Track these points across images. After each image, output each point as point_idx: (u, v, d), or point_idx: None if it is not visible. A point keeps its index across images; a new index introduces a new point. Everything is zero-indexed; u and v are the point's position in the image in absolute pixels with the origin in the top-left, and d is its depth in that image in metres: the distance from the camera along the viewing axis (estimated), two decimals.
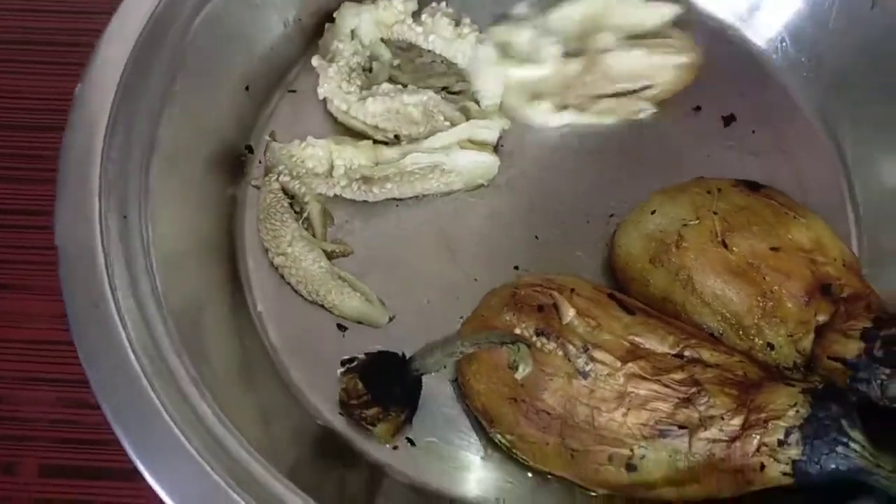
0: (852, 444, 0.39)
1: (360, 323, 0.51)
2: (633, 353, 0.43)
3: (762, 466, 0.40)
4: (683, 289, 0.47)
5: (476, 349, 0.44)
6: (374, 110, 0.55)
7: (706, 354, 0.43)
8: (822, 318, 0.45)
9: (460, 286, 0.52)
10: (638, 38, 0.57)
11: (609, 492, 0.45)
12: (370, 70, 0.57)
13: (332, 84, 0.55)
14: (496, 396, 0.45)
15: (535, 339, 0.44)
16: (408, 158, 0.54)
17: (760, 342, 0.46)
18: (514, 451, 0.46)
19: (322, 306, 0.52)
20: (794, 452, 0.40)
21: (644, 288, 0.49)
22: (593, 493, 0.45)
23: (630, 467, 0.43)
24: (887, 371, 0.42)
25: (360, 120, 0.55)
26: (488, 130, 0.55)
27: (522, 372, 0.42)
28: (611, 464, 0.43)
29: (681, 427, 0.42)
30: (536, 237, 0.54)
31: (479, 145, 0.55)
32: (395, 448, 0.48)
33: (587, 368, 0.43)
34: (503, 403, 0.45)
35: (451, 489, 0.48)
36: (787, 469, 0.40)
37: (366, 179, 0.54)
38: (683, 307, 0.47)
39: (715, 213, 0.48)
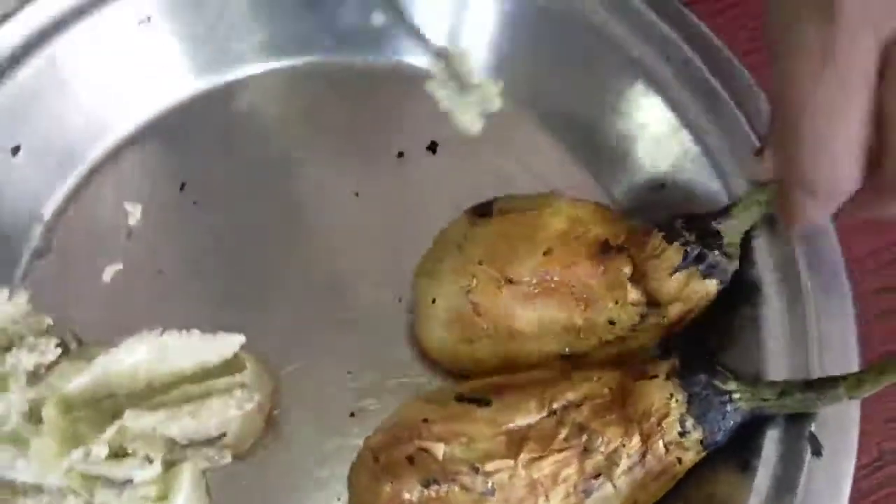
0: (734, 396, 0.41)
1: None
2: (516, 441, 0.42)
3: (679, 460, 0.41)
4: (513, 340, 0.46)
5: None
6: None
7: (569, 394, 0.43)
8: (626, 270, 0.46)
9: None
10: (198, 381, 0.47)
11: None
12: None
13: None
14: None
15: (426, 491, 0.41)
16: None
17: (602, 327, 0.46)
18: None
19: None
20: (695, 436, 0.41)
21: (478, 365, 0.47)
22: None
23: None
24: (714, 241, 0.44)
25: None
26: None
27: None
28: None
29: (596, 477, 0.41)
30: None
31: None
32: None
33: (489, 485, 0.41)
34: None
35: None
36: (699, 449, 0.41)
37: None
38: (527, 355, 0.46)
39: (480, 263, 0.46)
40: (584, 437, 0.41)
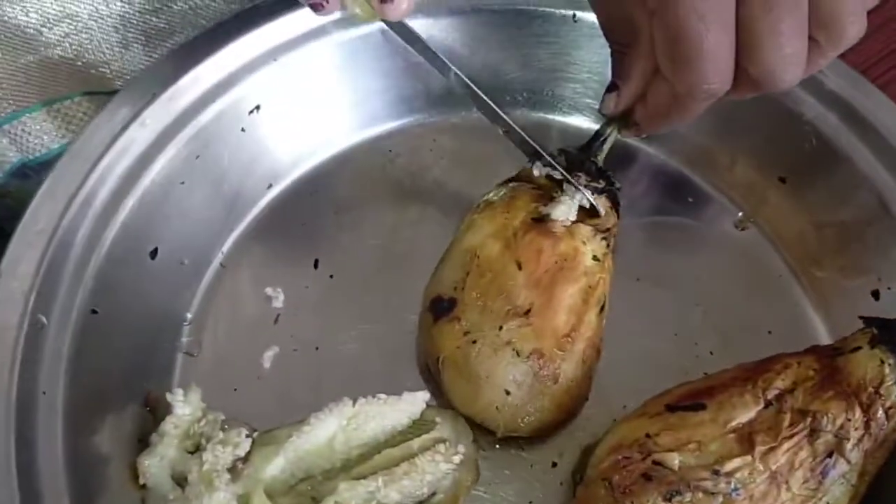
0: None
1: None
2: (745, 437, 0.42)
3: None
4: None
5: None
6: None
7: (777, 382, 0.44)
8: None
9: None
10: (394, 444, 0.47)
11: None
12: None
13: None
14: None
15: None
16: None
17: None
18: None
19: None
20: None
21: None
22: None
23: None
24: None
25: None
26: None
27: None
28: None
29: (830, 455, 0.42)
30: None
31: None
32: None
33: (732, 486, 0.41)
34: None
35: None
36: None
37: None
38: None
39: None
40: (809, 420, 0.42)
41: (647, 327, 0.53)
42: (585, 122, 0.61)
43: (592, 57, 0.59)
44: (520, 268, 0.48)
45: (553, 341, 0.47)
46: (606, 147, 0.52)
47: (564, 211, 0.49)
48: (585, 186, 0.50)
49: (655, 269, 0.55)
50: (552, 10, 0.58)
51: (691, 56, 0.40)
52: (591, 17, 0.56)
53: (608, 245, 0.50)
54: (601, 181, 0.51)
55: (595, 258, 0.49)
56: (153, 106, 0.50)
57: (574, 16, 0.58)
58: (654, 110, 0.48)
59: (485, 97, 0.50)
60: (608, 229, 0.50)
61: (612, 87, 0.49)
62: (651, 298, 0.54)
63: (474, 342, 0.47)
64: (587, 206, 0.50)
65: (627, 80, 0.48)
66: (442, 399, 0.49)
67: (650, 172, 0.60)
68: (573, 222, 0.50)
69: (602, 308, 0.49)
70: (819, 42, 0.41)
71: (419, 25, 0.54)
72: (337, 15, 0.53)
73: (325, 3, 0.43)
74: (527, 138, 0.51)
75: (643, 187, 0.58)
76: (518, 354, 0.46)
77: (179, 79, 0.51)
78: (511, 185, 0.53)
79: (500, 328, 0.47)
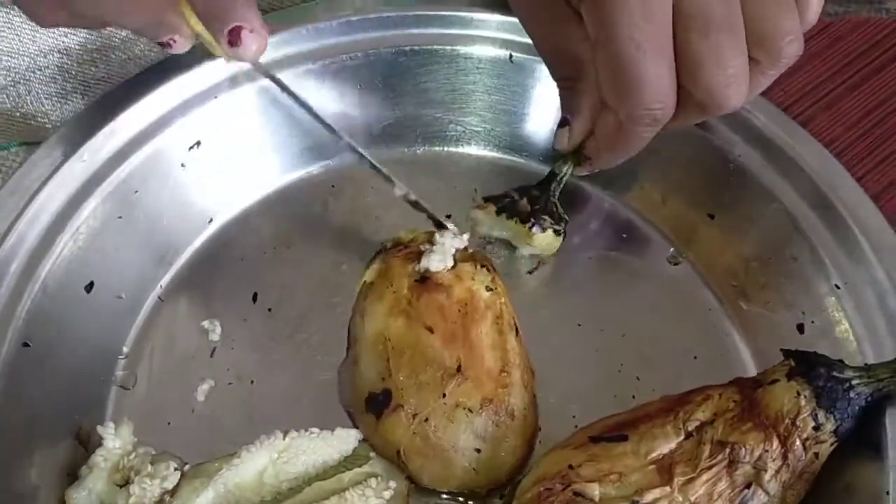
0: (854, 382, 0.44)
1: None
2: (665, 469, 0.43)
3: (816, 455, 0.43)
4: None
5: None
6: None
7: (698, 414, 0.45)
8: None
9: None
10: (326, 477, 0.46)
11: None
12: None
13: None
14: None
15: None
16: None
17: None
18: None
19: None
20: (829, 426, 0.43)
21: None
22: None
23: None
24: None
25: None
26: None
27: None
28: None
29: (748, 486, 0.43)
30: None
31: None
32: None
33: None
34: None
35: None
36: (833, 440, 0.43)
37: None
38: None
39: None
40: (728, 450, 0.43)
41: (580, 359, 0.54)
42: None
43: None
44: (431, 331, 0.48)
45: (493, 383, 0.47)
46: (562, 184, 0.55)
47: (440, 260, 0.50)
48: (543, 226, 0.53)
49: (589, 303, 0.56)
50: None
51: (632, 84, 0.42)
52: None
53: (489, 270, 0.52)
54: (560, 222, 0.54)
55: (488, 288, 0.50)
56: (91, 142, 0.51)
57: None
58: (603, 142, 0.49)
59: (375, 162, 0.54)
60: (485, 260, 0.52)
61: (563, 123, 0.51)
62: (584, 331, 0.55)
63: (426, 420, 0.46)
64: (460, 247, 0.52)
65: (577, 113, 0.49)
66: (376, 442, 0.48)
67: (589, 210, 0.61)
68: (451, 267, 0.51)
69: (516, 330, 0.50)
70: (759, 61, 0.42)
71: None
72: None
73: (172, 43, 0.45)
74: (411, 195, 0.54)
75: (580, 223, 0.59)
76: (471, 411, 0.46)
77: (119, 115, 0.52)
78: (377, 259, 0.53)
79: (444, 395, 0.47)
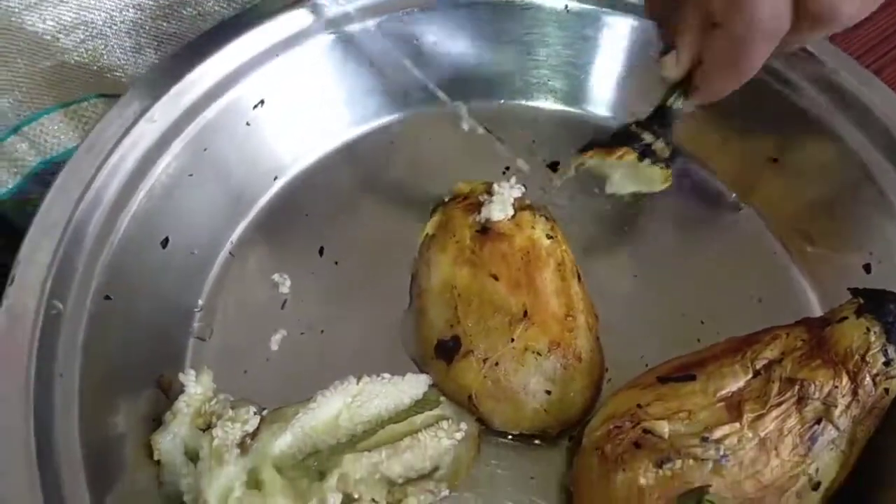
0: None
1: None
2: (734, 406, 0.43)
3: (887, 391, 0.43)
4: None
5: None
6: None
7: (766, 353, 0.45)
8: None
9: None
10: (398, 421, 0.48)
11: None
12: None
13: None
14: None
15: (661, 471, 0.42)
16: None
17: None
18: None
19: None
20: None
21: None
22: None
23: (816, 486, 0.43)
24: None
25: None
26: None
27: None
28: (801, 499, 0.43)
29: (818, 422, 0.43)
30: None
31: None
32: None
33: (721, 453, 0.42)
34: None
35: None
36: None
37: None
38: None
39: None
40: (797, 387, 0.43)
41: (643, 304, 0.54)
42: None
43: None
44: (496, 279, 0.49)
45: (559, 327, 0.48)
46: (677, 116, 0.50)
47: (500, 209, 0.51)
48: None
49: (650, 250, 0.56)
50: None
51: None
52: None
53: (548, 218, 0.52)
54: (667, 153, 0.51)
55: (548, 236, 0.51)
56: (161, 101, 0.52)
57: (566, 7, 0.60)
58: (713, 66, 0.46)
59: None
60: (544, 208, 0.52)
61: (666, 50, 0.48)
62: (649, 278, 0.55)
63: (496, 364, 0.47)
64: (518, 195, 0.52)
65: (681, 35, 0.46)
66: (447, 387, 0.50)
67: None
68: (511, 216, 0.51)
69: (578, 276, 0.51)
70: None
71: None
72: (335, 10, 0.56)
73: None
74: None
75: None
76: (539, 354, 0.47)
77: (185, 76, 0.53)
78: (438, 211, 0.54)
79: (512, 339, 0.48)
